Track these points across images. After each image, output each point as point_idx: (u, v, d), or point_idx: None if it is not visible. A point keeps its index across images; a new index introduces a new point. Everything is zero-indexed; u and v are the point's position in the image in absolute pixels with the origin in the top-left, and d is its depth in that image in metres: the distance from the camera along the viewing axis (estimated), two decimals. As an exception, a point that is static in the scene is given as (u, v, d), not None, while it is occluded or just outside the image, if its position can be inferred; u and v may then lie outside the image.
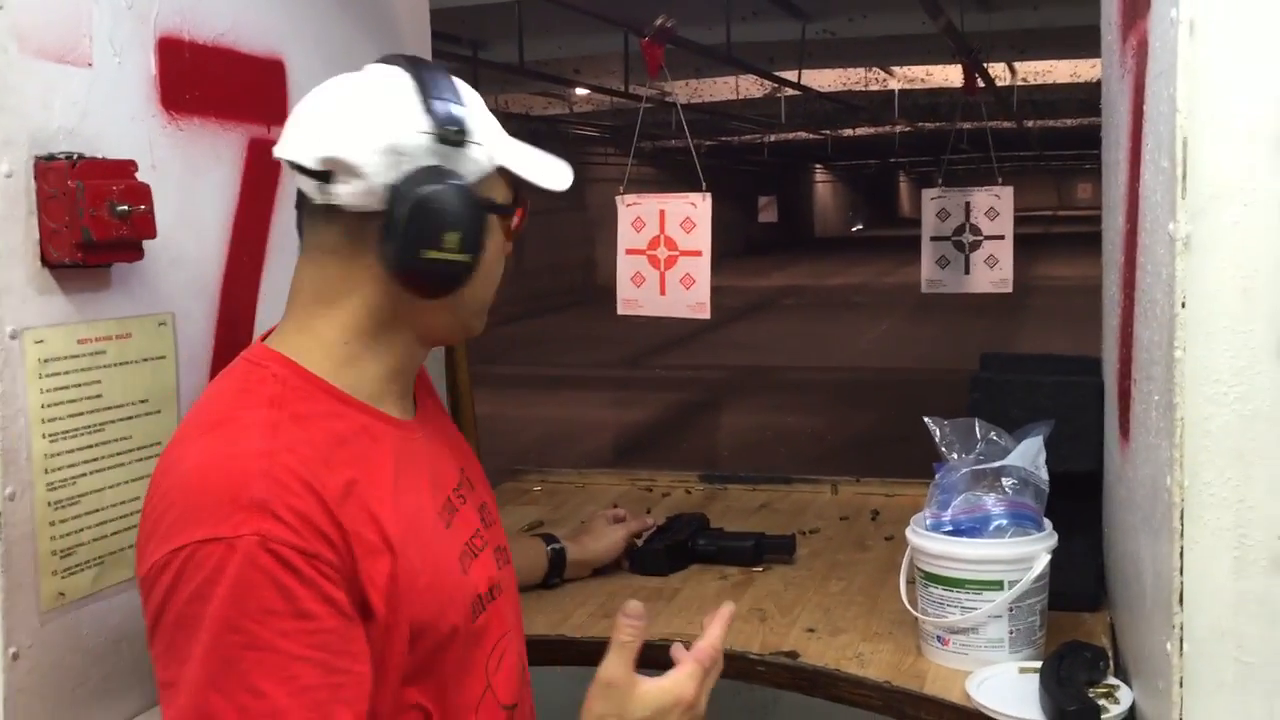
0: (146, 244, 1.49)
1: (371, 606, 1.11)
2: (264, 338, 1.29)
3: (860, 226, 44.12)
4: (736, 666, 1.63)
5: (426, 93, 1.19)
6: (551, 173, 1.28)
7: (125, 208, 1.41)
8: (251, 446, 1.10)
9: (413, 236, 1.15)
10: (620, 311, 2.98)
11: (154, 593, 1.07)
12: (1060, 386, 1.72)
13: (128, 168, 1.46)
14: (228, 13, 1.68)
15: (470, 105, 1.23)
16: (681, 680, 1.19)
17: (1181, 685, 1.06)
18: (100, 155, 1.45)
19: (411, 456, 1.24)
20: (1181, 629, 1.06)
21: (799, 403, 10.28)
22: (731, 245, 24.99)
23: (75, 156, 1.41)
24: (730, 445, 8.99)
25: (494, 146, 1.23)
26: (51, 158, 1.39)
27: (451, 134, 1.18)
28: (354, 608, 1.10)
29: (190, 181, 1.63)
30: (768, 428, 9.29)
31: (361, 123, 1.18)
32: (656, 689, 1.18)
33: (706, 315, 2.90)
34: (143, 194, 1.45)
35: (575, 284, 18.71)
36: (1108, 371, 1.65)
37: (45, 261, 1.39)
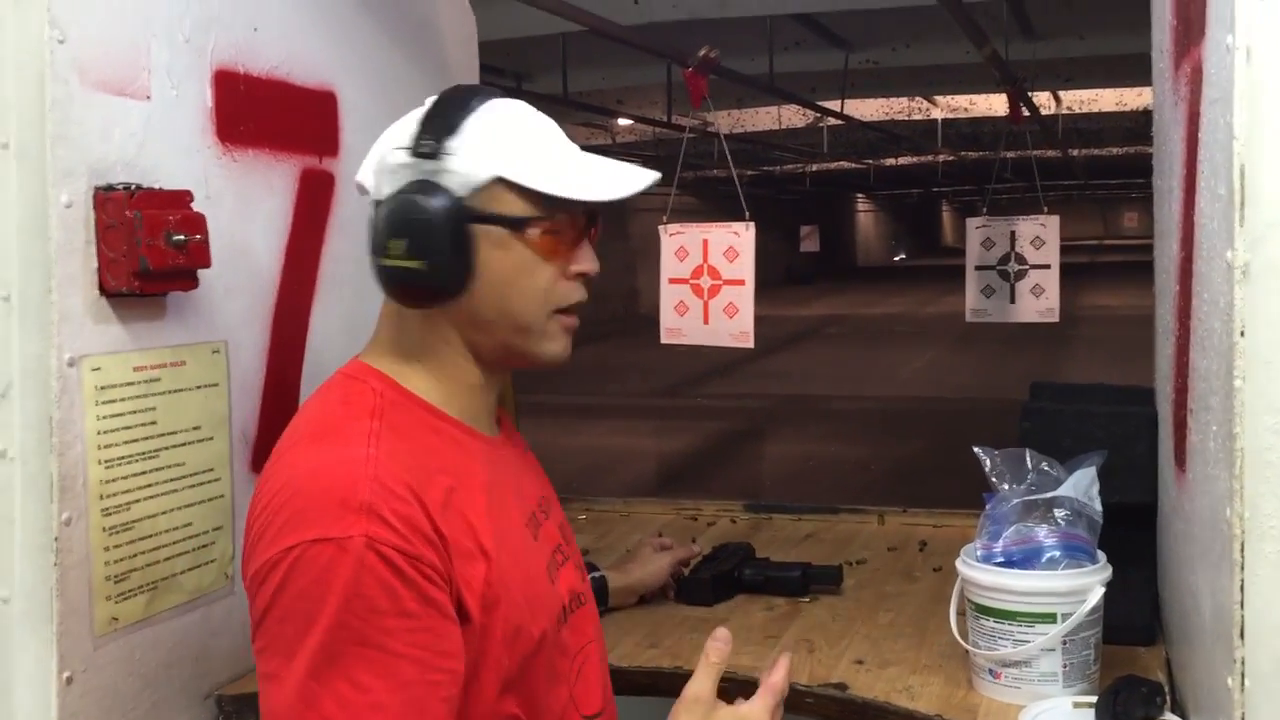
0: (201, 273, 1.51)
1: (467, 610, 1.14)
2: (360, 355, 1.31)
3: (903, 256, 43.93)
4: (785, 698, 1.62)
5: (430, 113, 1.23)
6: (587, 183, 1.24)
7: (181, 237, 1.44)
8: (358, 453, 1.14)
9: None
10: (664, 340, 2.98)
11: (263, 589, 1.11)
12: (1113, 417, 1.70)
13: (184, 198, 1.49)
14: (282, 45, 1.71)
15: (484, 119, 1.22)
16: (757, 708, 1.24)
17: (1244, 721, 1.04)
18: (157, 186, 1.48)
19: (499, 470, 1.28)
20: (1243, 663, 1.04)
21: (842, 432, 10.22)
22: (773, 274, 24.93)
23: (133, 187, 1.43)
24: (773, 475, 8.95)
25: (496, 158, 1.21)
26: (110, 188, 1.42)
27: (425, 147, 1.20)
28: (453, 610, 1.14)
29: (244, 212, 1.65)
30: (810, 457, 9.24)
31: (376, 147, 1.26)
32: (733, 713, 1.23)
33: (750, 344, 2.89)
34: (198, 224, 1.47)
35: (618, 313, 18.74)
36: (1161, 401, 1.63)
37: (103, 290, 1.42)
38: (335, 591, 1.07)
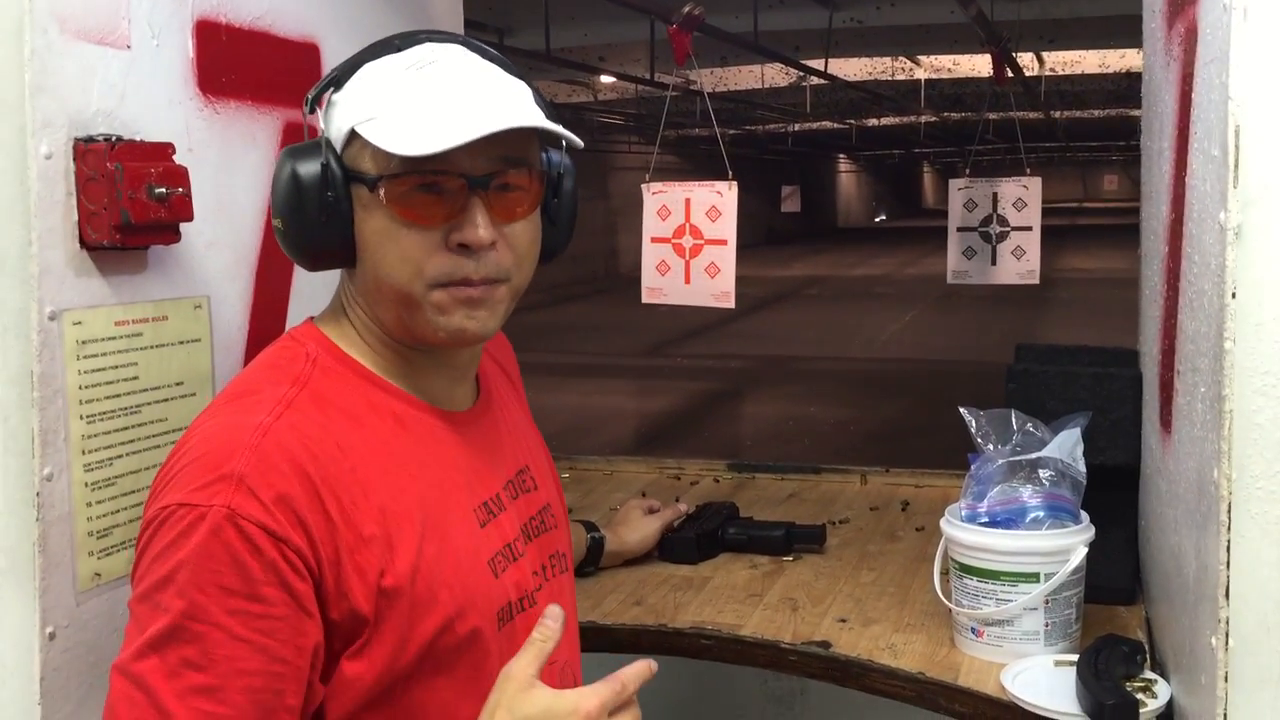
0: (183, 227, 1.49)
1: (353, 600, 1.07)
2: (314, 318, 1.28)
3: (883, 217, 43.94)
4: (768, 655, 1.64)
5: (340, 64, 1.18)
6: (419, 136, 1.08)
7: (164, 190, 1.41)
8: (253, 420, 1.08)
9: None
10: (645, 300, 2.97)
11: (138, 548, 1.08)
12: (1098, 378, 1.70)
13: (166, 150, 1.46)
14: (264, -4, 1.68)
15: (372, 69, 1.15)
16: (586, 693, 1.04)
17: (1226, 680, 1.05)
18: (138, 138, 1.45)
19: (451, 450, 1.21)
20: (1227, 623, 1.04)
21: (822, 393, 10.26)
22: (754, 235, 24.93)
23: (114, 139, 1.41)
24: (753, 435, 8.99)
25: (357, 111, 1.12)
26: (91, 140, 1.39)
27: (311, 99, 1.17)
28: (320, 601, 1.07)
29: (226, 165, 1.63)
30: (790, 418, 9.27)
31: None
32: (553, 694, 1.05)
33: (731, 304, 2.89)
34: (181, 177, 1.45)
35: (598, 272, 18.70)
36: (1147, 363, 1.63)
37: (84, 243, 1.39)
38: (185, 561, 1.02)
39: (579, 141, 1.17)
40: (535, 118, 1.13)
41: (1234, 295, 1.02)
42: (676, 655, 1.69)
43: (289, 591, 1.04)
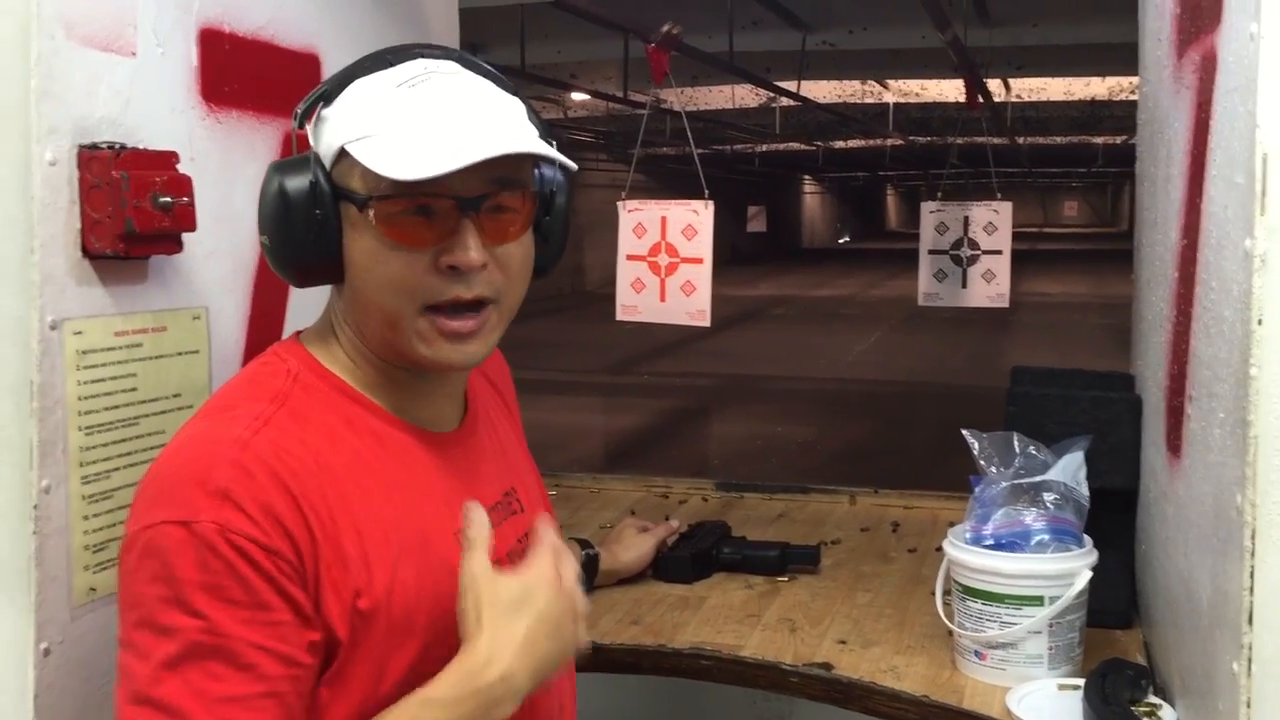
0: (183, 237, 1.47)
1: (328, 619, 1.06)
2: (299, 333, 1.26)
3: (847, 239, 44.22)
4: (769, 677, 1.63)
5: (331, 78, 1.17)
6: (412, 160, 1.05)
7: (168, 200, 1.39)
8: (233, 434, 1.06)
9: None
10: (619, 317, 2.96)
11: (121, 572, 1.05)
12: (1098, 401, 1.71)
13: (170, 159, 1.44)
14: (267, 6, 1.66)
15: (363, 85, 1.13)
16: (540, 564, 1.12)
17: (1249, 706, 1.05)
18: (142, 146, 1.43)
19: (432, 471, 1.19)
20: (1250, 649, 1.04)
21: (788, 412, 10.28)
22: (720, 254, 24.95)
23: (118, 146, 1.39)
24: (721, 454, 8.98)
25: (347, 128, 1.10)
26: (95, 147, 1.37)
27: (300, 113, 1.15)
28: (313, 610, 1.06)
29: (227, 175, 1.61)
30: (758, 437, 9.28)
31: None
32: (517, 575, 1.11)
33: (707, 323, 2.89)
34: (185, 186, 1.43)
35: (564, 289, 18.68)
36: (1150, 387, 1.64)
37: (85, 252, 1.37)
38: (184, 580, 1.00)
39: (573, 165, 1.17)
40: (530, 143, 1.11)
41: (1260, 322, 1.03)
42: (675, 676, 1.68)
43: (287, 598, 1.03)
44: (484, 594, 1.08)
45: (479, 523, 1.12)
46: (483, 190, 1.10)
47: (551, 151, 1.12)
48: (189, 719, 0.99)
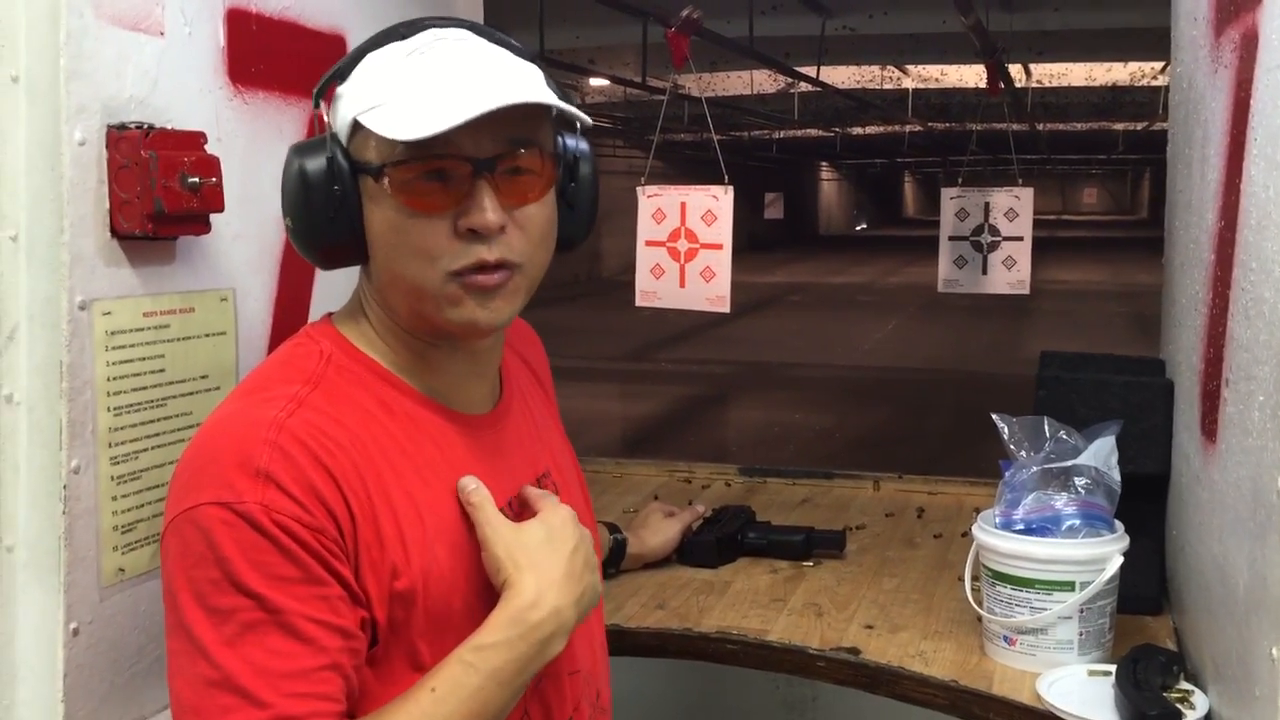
0: (210, 218, 1.47)
1: (369, 599, 1.06)
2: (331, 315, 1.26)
3: (864, 225, 44.09)
4: (795, 661, 1.62)
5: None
6: (419, 117, 1.04)
7: (196, 180, 1.39)
8: (269, 415, 1.06)
9: None
10: (639, 303, 2.95)
11: (166, 556, 1.05)
12: (1130, 386, 1.69)
13: (198, 139, 1.44)
14: (294, -15, 1.65)
15: (375, 58, 1.13)
16: (544, 509, 1.16)
17: (1289, 692, 1.04)
18: (169, 126, 1.42)
19: (466, 452, 1.18)
20: (1290, 634, 1.03)
21: (805, 400, 10.26)
22: (737, 240, 24.91)
23: (147, 126, 1.38)
24: (738, 440, 8.98)
25: (359, 100, 1.10)
26: (124, 127, 1.36)
27: (318, 93, 1.15)
28: (358, 589, 1.06)
29: (253, 156, 1.60)
30: (775, 424, 9.27)
31: None
32: (535, 519, 1.15)
33: (726, 309, 2.87)
34: (213, 167, 1.42)
35: (580, 276, 18.66)
36: (1183, 371, 1.62)
37: (114, 232, 1.37)
38: (235, 560, 1.00)
39: (586, 119, 1.15)
40: (537, 94, 1.08)
41: (1304, 303, 1.01)
42: (701, 659, 1.68)
43: (336, 575, 1.04)
44: (512, 540, 1.11)
45: (475, 486, 1.13)
46: (497, 150, 1.08)
47: (563, 103, 1.10)
48: (256, 697, 0.99)
